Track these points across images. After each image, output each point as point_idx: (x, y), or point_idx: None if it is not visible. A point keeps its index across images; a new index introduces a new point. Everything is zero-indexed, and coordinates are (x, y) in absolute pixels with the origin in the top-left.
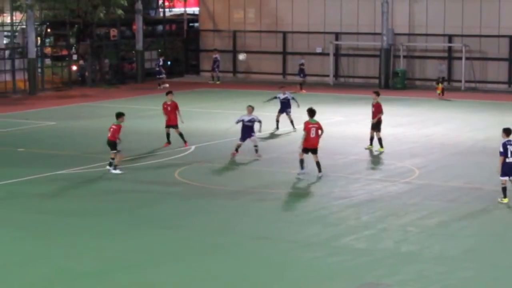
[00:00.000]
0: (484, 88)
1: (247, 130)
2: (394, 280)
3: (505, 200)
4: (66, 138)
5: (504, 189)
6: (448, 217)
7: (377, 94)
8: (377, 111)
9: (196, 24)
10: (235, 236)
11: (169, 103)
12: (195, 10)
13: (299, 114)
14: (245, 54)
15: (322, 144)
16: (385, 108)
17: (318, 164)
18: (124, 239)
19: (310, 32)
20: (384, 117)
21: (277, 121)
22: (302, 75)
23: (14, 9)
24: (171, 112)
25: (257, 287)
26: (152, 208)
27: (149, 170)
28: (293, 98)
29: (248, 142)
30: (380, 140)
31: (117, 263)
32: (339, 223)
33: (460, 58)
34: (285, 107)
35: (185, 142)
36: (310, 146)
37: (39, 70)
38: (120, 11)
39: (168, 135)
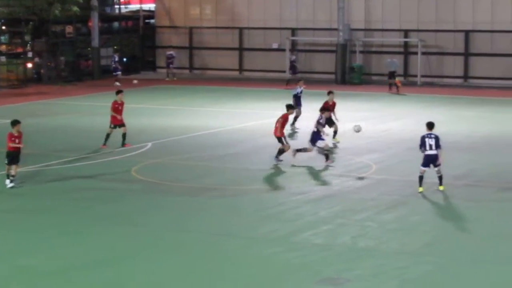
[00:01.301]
0: (441, 83)
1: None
2: (353, 275)
3: (420, 189)
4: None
5: (420, 178)
6: (406, 212)
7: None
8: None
9: (152, 21)
10: (194, 232)
11: (120, 102)
12: (151, 6)
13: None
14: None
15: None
16: (343, 103)
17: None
18: (84, 237)
19: (266, 28)
20: (341, 113)
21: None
22: (292, 71)
23: None
24: (121, 112)
25: (217, 283)
26: (110, 206)
27: (106, 168)
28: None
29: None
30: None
31: (77, 261)
32: (297, 218)
33: (416, 53)
34: (299, 102)
35: (125, 143)
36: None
37: None
38: (75, 8)
39: (108, 136)
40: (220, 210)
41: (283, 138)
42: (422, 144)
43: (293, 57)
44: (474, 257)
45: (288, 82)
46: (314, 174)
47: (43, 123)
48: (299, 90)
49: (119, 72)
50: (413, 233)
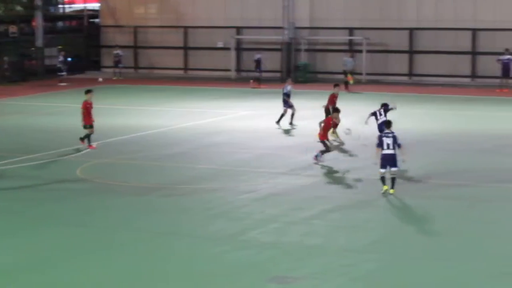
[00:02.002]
0: (386, 81)
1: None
2: (301, 273)
3: (385, 187)
4: None
5: (382, 179)
6: (353, 210)
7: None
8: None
9: (97, 20)
10: (141, 232)
11: (90, 102)
12: (95, 6)
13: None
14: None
15: (227, 139)
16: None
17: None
18: (27, 238)
19: (211, 27)
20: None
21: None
22: (258, 69)
23: None
24: (90, 112)
25: (164, 283)
26: (54, 206)
27: (51, 168)
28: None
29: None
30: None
31: (20, 262)
32: (245, 217)
33: (361, 51)
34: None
35: (90, 144)
36: None
37: None
38: (19, 8)
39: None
40: (167, 210)
41: (326, 142)
42: (380, 144)
43: (258, 56)
44: (420, 254)
45: (254, 81)
46: (262, 172)
47: None
48: (288, 88)
49: (64, 73)
50: (360, 230)
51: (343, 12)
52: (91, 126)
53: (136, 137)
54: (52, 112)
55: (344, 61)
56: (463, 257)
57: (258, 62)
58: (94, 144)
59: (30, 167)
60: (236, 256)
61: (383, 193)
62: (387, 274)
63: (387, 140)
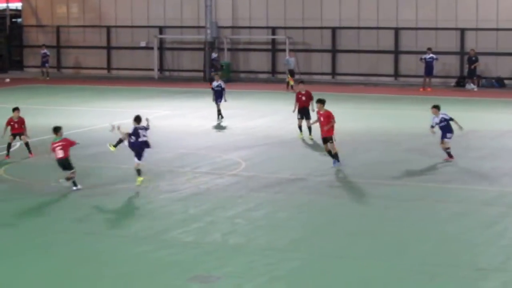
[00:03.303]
0: (309, 80)
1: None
2: (223, 272)
3: (140, 179)
4: None
5: (138, 171)
6: (275, 209)
7: (303, 82)
8: (309, 98)
9: (19, 20)
10: (62, 233)
11: (16, 120)
12: (17, 5)
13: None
14: (113, 125)
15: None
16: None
17: None
18: None
19: (134, 26)
20: (207, 110)
21: (219, 110)
22: (213, 70)
23: None
24: (18, 128)
25: (85, 284)
26: None
27: None
28: (224, 89)
29: None
30: (310, 128)
31: None
32: (167, 216)
33: (284, 50)
34: (218, 95)
35: (30, 152)
36: None
37: None
38: None
39: (10, 145)
40: (89, 209)
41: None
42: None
43: (215, 55)
44: (340, 253)
45: (210, 80)
46: (183, 172)
47: None
48: (215, 84)
49: None
50: (281, 229)
51: (266, 11)
52: (14, 135)
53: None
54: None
55: (286, 60)
56: (384, 255)
57: (215, 61)
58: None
59: None
60: (158, 255)
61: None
62: (309, 273)
63: (143, 132)
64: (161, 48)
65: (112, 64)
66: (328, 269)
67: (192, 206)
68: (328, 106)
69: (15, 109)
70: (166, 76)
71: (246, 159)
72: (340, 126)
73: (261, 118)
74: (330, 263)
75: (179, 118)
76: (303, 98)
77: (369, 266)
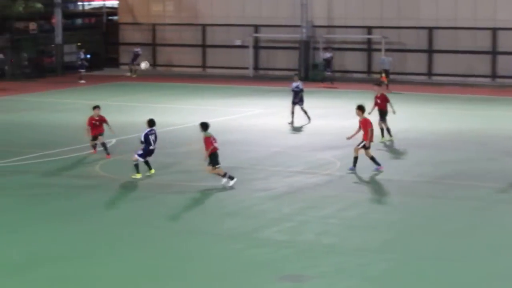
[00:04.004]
0: (404, 80)
1: None
2: (315, 272)
3: (138, 175)
4: None
5: (136, 166)
6: (369, 209)
7: (379, 85)
8: (384, 101)
9: (115, 18)
10: (156, 229)
11: (97, 118)
12: (114, 3)
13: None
14: (147, 62)
15: (242, 137)
16: (306, 100)
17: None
18: (43, 233)
19: (229, 25)
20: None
21: (292, 112)
22: (328, 69)
23: None
24: (99, 126)
25: (180, 280)
26: (70, 202)
27: (69, 164)
28: (302, 90)
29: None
30: (388, 129)
31: (36, 256)
32: (260, 215)
33: (379, 50)
34: (296, 96)
35: (108, 154)
36: None
37: None
38: (39, 5)
39: (96, 145)
40: (182, 207)
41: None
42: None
43: (328, 55)
44: (434, 254)
45: (324, 80)
46: (277, 171)
47: (5, 120)
48: (294, 85)
49: (84, 70)
50: (375, 230)
51: (361, 10)
52: (94, 138)
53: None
54: (69, 108)
55: (381, 59)
56: (479, 258)
57: (328, 61)
58: (95, 150)
59: (48, 163)
60: (251, 254)
61: (134, 177)
62: (402, 274)
63: (152, 138)
64: (256, 46)
65: (207, 62)
66: (422, 271)
67: (285, 205)
68: (421, 106)
69: (96, 107)
70: (261, 75)
71: (340, 158)
72: (432, 127)
73: (356, 118)
74: (424, 265)
75: (272, 117)
76: (378, 101)
77: (463, 268)
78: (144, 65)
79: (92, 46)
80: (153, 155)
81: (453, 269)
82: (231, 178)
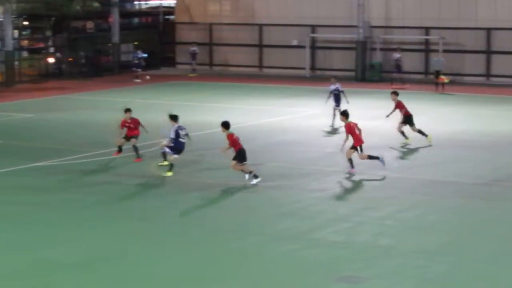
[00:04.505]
0: (461, 81)
1: None
2: (372, 273)
3: (170, 174)
4: (43, 130)
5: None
6: (426, 211)
7: (396, 94)
8: (402, 108)
9: (172, 17)
10: (209, 229)
11: (129, 121)
12: (170, 2)
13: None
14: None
15: (298, 137)
16: (362, 101)
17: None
18: (102, 231)
19: (286, 25)
20: (360, 110)
21: (334, 114)
22: (397, 70)
23: None
24: (134, 129)
25: (233, 280)
26: (126, 200)
27: (128, 163)
28: (342, 92)
29: None
30: (420, 131)
31: (95, 253)
32: (316, 216)
33: (437, 51)
34: (336, 99)
35: (138, 157)
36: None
37: (16, 62)
38: (96, 4)
39: (121, 148)
40: (236, 206)
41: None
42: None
43: (398, 56)
44: (492, 258)
45: (393, 82)
46: (333, 171)
47: (62, 118)
48: (333, 87)
49: (140, 69)
50: (432, 232)
51: (419, 11)
52: (128, 139)
53: (206, 134)
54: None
55: (434, 61)
56: None
57: (397, 62)
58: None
59: (104, 161)
60: (305, 254)
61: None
62: (459, 277)
63: (182, 132)
64: (313, 46)
65: (263, 62)
66: (479, 274)
67: (341, 205)
68: (478, 108)
69: (127, 110)
70: (317, 75)
71: (398, 160)
72: (493, 129)
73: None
74: (481, 268)
75: (328, 118)
76: (398, 109)
77: None
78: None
79: (148, 46)
80: (204, 155)
81: (511, 273)
82: (255, 176)
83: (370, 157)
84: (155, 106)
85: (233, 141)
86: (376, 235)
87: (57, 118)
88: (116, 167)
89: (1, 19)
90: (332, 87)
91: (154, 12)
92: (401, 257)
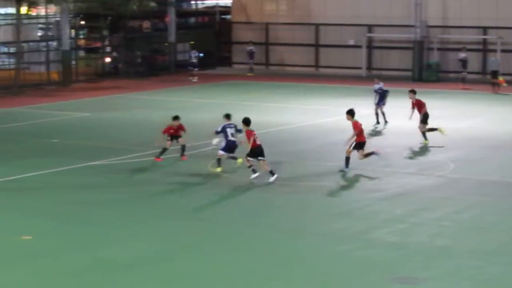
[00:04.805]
0: None
1: None
2: (428, 274)
3: (219, 169)
4: (100, 129)
5: (218, 160)
6: (483, 212)
7: (414, 92)
8: (421, 106)
9: (228, 16)
10: (265, 228)
11: (175, 127)
12: (227, 2)
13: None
14: (217, 140)
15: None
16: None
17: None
18: (156, 229)
19: (342, 24)
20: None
21: (377, 114)
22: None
23: (48, 2)
24: (176, 132)
25: (287, 280)
26: (181, 199)
27: (182, 162)
28: (387, 91)
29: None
30: (424, 133)
31: (149, 252)
32: (372, 216)
33: (495, 51)
34: (380, 98)
35: (183, 155)
36: None
37: (73, 62)
38: (153, 4)
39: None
40: (291, 206)
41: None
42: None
43: (463, 55)
44: None
45: (464, 81)
46: (390, 172)
47: (117, 117)
48: (377, 87)
49: (197, 68)
50: (489, 233)
51: (477, 10)
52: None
53: (262, 134)
54: (180, 107)
55: (491, 61)
56: None
57: (463, 62)
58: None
59: (163, 159)
60: (361, 255)
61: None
62: None
63: (230, 130)
64: (370, 46)
65: (319, 61)
66: None
67: (397, 206)
68: None
69: (176, 118)
70: (374, 75)
71: (454, 160)
72: None
73: (469, 119)
74: None
75: (382, 117)
76: (417, 107)
77: None
78: (215, 141)
79: (205, 45)
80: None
81: None
82: (272, 173)
83: (368, 155)
84: (213, 105)
85: (248, 137)
86: (432, 236)
87: (113, 117)
88: (166, 166)
89: (58, 19)
90: (376, 86)
91: (211, 11)
92: (457, 258)
